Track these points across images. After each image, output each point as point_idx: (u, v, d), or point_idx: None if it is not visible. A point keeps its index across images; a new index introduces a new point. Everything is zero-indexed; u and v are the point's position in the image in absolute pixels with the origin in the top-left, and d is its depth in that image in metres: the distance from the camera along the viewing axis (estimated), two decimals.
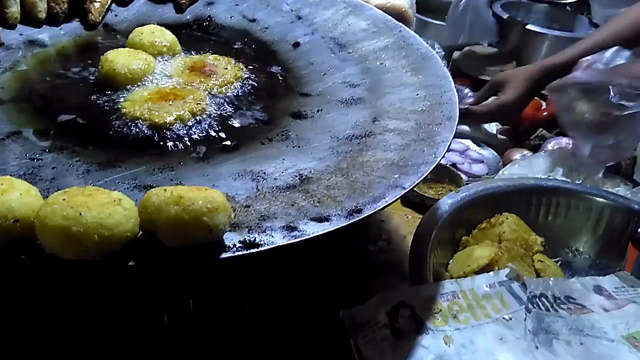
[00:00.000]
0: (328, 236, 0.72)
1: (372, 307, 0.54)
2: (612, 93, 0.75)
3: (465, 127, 1.05)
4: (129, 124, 0.61)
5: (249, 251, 0.42)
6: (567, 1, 1.52)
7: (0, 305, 0.51)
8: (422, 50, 0.76)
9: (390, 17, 0.84)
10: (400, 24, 0.82)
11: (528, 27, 1.23)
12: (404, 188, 0.50)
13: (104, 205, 0.38)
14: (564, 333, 0.56)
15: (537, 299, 0.61)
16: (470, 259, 0.66)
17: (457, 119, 0.61)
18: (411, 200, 0.88)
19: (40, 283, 0.42)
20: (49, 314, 0.51)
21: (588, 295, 0.64)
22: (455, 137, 1.01)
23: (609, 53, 0.85)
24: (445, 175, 0.93)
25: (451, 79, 0.68)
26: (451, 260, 0.69)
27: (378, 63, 0.76)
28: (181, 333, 0.46)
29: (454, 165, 0.97)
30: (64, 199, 0.38)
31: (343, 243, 0.77)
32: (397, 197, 0.49)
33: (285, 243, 0.43)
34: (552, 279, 0.64)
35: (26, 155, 0.54)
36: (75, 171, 0.53)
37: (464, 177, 0.93)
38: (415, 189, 0.87)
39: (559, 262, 0.74)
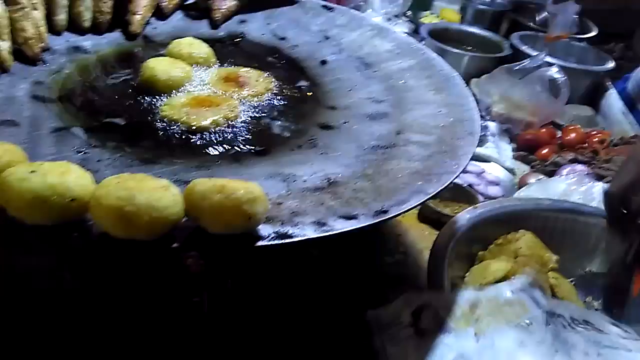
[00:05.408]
0: (348, 245, 0.75)
1: (396, 307, 0.56)
2: None
3: (481, 151, 1.08)
4: (168, 126, 0.65)
5: (283, 241, 0.45)
6: (583, 36, 1.57)
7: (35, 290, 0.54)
8: (444, 71, 0.80)
9: (414, 40, 0.88)
10: (424, 46, 0.86)
11: (545, 59, 1.27)
12: (428, 193, 0.53)
13: (154, 189, 0.41)
14: (581, 345, 0.57)
15: (555, 317, 0.62)
16: (487, 271, 0.68)
17: (478, 134, 0.64)
18: (428, 217, 0.91)
19: (85, 263, 0.45)
20: (85, 298, 0.53)
21: (605, 324, 0.65)
22: (472, 159, 1.04)
23: None
24: (461, 194, 0.95)
25: (472, 98, 0.71)
26: (467, 273, 0.71)
27: (402, 82, 0.79)
28: (220, 311, 0.48)
29: (470, 186, 0.99)
30: (117, 182, 0.42)
31: (361, 253, 0.79)
32: (421, 201, 0.52)
33: (317, 236, 0.46)
34: (570, 303, 0.66)
35: (73, 148, 0.58)
36: (118, 165, 0.56)
37: (480, 197, 0.95)
38: (432, 205, 0.90)
39: (573, 283, 0.76)
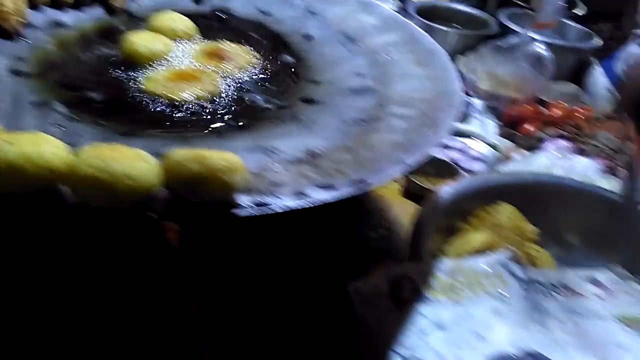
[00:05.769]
0: (331, 219, 0.75)
1: (376, 278, 0.57)
2: None
3: (465, 127, 1.09)
4: (148, 99, 0.64)
5: (261, 210, 0.45)
6: (570, 14, 1.56)
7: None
8: (429, 46, 0.80)
9: (399, 14, 0.88)
10: (409, 21, 0.86)
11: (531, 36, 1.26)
12: (408, 164, 0.53)
13: (130, 158, 0.42)
14: (558, 313, 0.59)
15: (533, 284, 0.63)
16: (466, 242, 0.69)
17: (460, 106, 0.64)
18: (412, 193, 0.91)
19: (60, 232, 0.45)
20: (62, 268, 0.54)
21: (583, 285, 0.66)
22: (456, 135, 1.05)
23: None
24: (445, 170, 0.96)
25: (456, 72, 0.72)
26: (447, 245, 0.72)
27: (386, 56, 0.79)
28: (200, 284, 0.49)
29: (454, 162, 1.00)
30: (93, 152, 0.42)
31: (345, 228, 0.80)
32: (401, 171, 0.53)
33: (295, 205, 0.46)
34: (548, 270, 0.67)
35: (52, 122, 0.57)
36: (98, 138, 0.56)
37: (463, 174, 0.96)
38: (416, 181, 0.91)
39: (552, 255, 0.77)
